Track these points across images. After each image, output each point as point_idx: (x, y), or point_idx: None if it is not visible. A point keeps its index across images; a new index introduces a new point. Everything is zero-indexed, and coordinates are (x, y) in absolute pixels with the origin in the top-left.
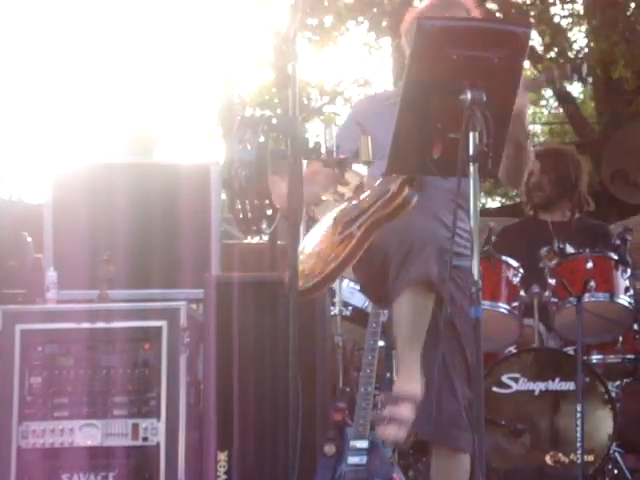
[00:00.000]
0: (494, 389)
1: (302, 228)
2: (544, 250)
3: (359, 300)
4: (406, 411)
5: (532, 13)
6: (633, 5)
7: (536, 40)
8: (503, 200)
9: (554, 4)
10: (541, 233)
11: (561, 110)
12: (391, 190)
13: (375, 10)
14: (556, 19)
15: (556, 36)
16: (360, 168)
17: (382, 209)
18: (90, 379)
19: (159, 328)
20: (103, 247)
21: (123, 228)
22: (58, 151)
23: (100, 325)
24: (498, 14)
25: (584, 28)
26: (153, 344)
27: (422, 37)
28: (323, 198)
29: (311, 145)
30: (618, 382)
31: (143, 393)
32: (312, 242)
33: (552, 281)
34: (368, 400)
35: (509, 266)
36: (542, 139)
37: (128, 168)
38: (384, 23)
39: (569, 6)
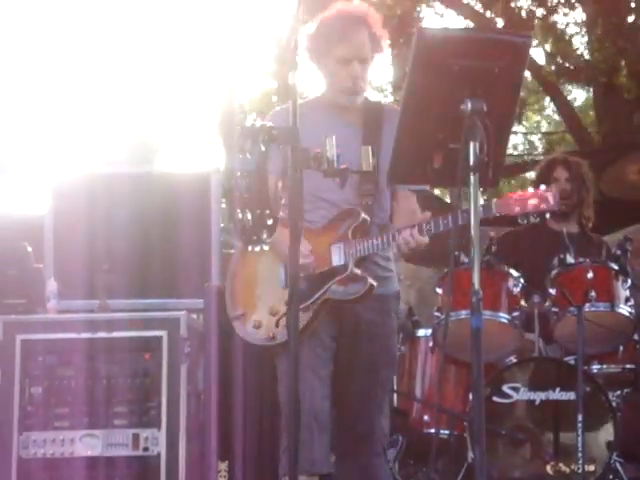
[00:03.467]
0: (495, 399)
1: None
2: (556, 260)
3: None
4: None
5: (535, 22)
6: (633, 17)
7: (539, 48)
8: None
9: (556, 11)
10: (554, 242)
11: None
12: (350, 268)
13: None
14: (560, 27)
15: (559, 44)
16: None
17: (341, 292)
18: (90, 389)
19: (159, 338)
20: (103, 257)
21: (123, 238)
22: (58, 161)
23: (100, 335)
24: (500, 23)
25: (585, 38)
26: (153, 354)
27: (422, 47)
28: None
29: (311, 155)
30: (619, 392)
31: (144, 403)
32: (249, 271)
33: (552, 291)
34: None
35: (510, 276)
36: (540, 149)
37: (128, 178)
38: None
39: (571, 15)
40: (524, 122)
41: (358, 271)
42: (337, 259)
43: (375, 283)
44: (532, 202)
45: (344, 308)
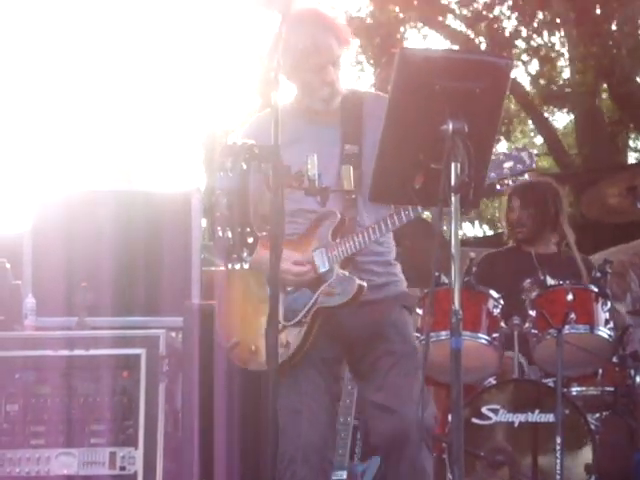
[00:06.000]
0: (474, 420)
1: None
2: (527, 282)
3: None
4: None
5: (519, 44)
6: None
7: (521, 69)
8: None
9: (540, 33)
10: (524, 264)
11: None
12: (335, 272)
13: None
14: (543, 50)
15: (543, 66)
16: None
17: (329, 297)
18: (67, 407)
19: (138, 356)
20: (83, 274)
21: (103, 255)
22: (38, 178)
23: (78, 352)
24: (484, 45)
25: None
26: (132, 372)
27: (404, 67)
28: None
29: (292, 173)
30: (598, 414)
31: (121, 421)
32: (237, 295)
33: (532, 312)
34: (347, 430)
35: (490, 297)
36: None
37: (109, 196)
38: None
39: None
40: (511, 140)
41: (345, 273)
42: (321, 265)
43: (364, 283)
44: (508, 165)
45: (344, 321)
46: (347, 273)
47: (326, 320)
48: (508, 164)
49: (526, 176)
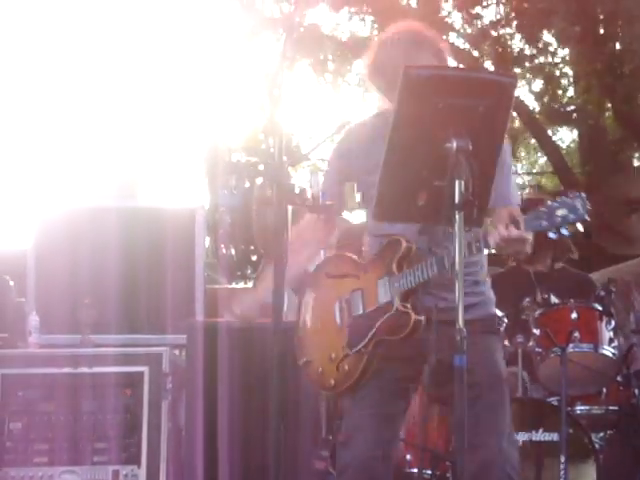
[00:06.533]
0: None
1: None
2: (527, 301)
3: None
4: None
5: (523, 63)
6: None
7: (525, 88)
8: None
9: (546, 51)
10: (524, 283)
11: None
12: (395, 306)
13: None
14: (547, 68)
15: (548, 84)
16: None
17: (389, 331)
18: (71, 425)
19: (141, 373)
20: (86, 292)
21: (108, 272)
22: (42, 195)
23: (82, 370)
24: (488, 63)
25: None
26: (135, 390)
27: (408, 84)
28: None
29: (297, 191)
30: (602, 433)
31: (124, 439)
32: (309, 313)
33: (536, 331)
34: None
35: None
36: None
37: (113, 212)
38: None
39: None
40: (515, 158)
41: (406, 305)
42: (382, 295)
43: (421, 318)
44: (561, 213)
45: (422, 343)
46: (408, 305)
47: (394, 346)
48: (561, 212)
49: (525, 193)
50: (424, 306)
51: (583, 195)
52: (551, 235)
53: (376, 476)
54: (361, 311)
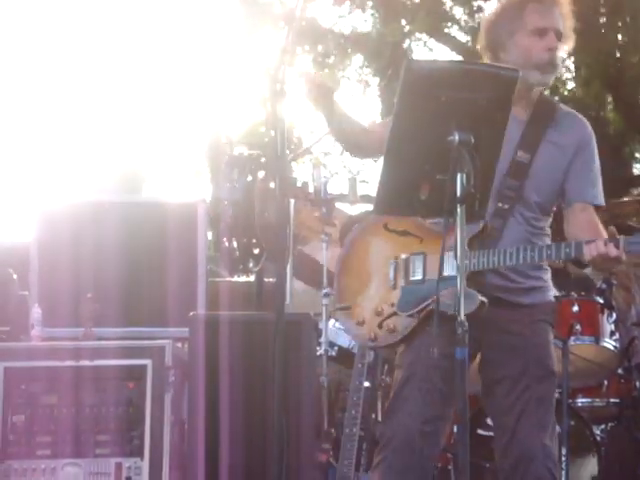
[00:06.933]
0: (479, 431)
1: (289, 267)
2: None
3: (345, 340)
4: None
5: None
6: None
7: None
8: None
9: None
10: None
11: None
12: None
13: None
14: None
15: None
16: (346, 208)
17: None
18: (73, 417)
19: (144, 366)
20: (89, 285)
21: (110, 266)
22: (45, 189)
23: (84, 363)
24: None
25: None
26: (138, 383)
27: (410, 78)
28: None
29: (299, 185)
30: (603, 426)
31: (127, 432)
32: (359, 260)
33: None
34: (353, 441)
35: None
36: None
37: (115, 206)
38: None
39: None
40: None
41: (469, 287)
42: (448, 268)
43: (486, 300)
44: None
45: (484, 322)
46: (471, 288)
47: (446, 320)
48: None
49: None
50: (491, 284)
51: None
52: None
53: (418, 452)
54: (420, 277)
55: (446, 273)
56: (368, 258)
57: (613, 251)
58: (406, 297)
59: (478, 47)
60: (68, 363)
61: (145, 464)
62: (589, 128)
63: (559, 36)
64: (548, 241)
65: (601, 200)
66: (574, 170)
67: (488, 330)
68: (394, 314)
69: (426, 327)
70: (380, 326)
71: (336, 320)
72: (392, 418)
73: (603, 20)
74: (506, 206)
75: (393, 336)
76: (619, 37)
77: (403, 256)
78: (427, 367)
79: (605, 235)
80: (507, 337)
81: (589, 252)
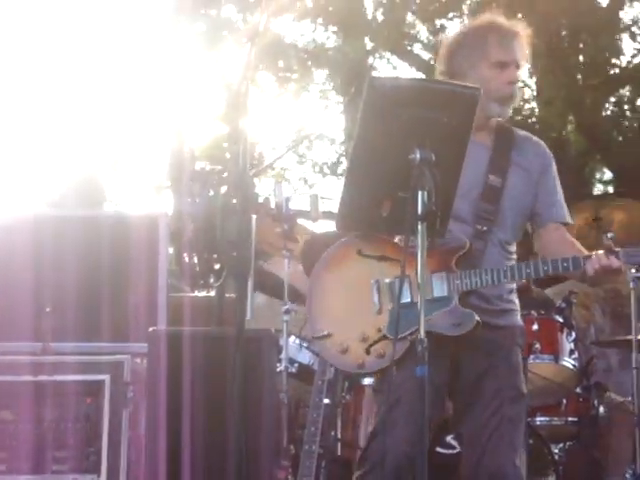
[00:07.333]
0: (438, 449)
1: (250, 282)
2: None
3: (305, 357)
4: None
5: None
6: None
7: None
8: None
9: None
10: None
11: None
12: (454, 302)
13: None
14: None
15: None
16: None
17: (443, 327)
18: (30, 433)
19: (101, 382)
20: (48, 299)
21: (70, 280)
22: (4, 202)
23: (42, 378)
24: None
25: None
26: (95, 398)
27: (373, 95)
28: None
29: (261, 200)
30: (561, 445)
31: (84, 448)
32: (335, 287)
33: None
34: (312, 459)
35: None
36: None
37: (75, 220)
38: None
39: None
40: None
41: (462, 306)
42: (439, 290)
43: (480, 320)
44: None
45: (458, 343)
46: (464, 307)
47: (432, 343)
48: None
49: None
50: (472, 305)
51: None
52: (633, 271)
53: (405, 477)
54: (409, 299)
55: (436, 294)
56: (345, 284)
57: (615, 262)
58: (395, 322)
59: (437, 72)
60: (26, 378)
61: None
62: (547, 149)
63: (519, 68)
64: None
65: (570, 219)
66: (544, 192)
67: (467, 349)
68: (383, 339)
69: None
70: (368, 352)
71: (315, 349)
72: (379, 442)
73: (565, 42)
74: (484, 228)
75: (382, 361)
76: (580, 58)
77: (387, 280)
78: (415, 391)
79: (584, 251)
80: (483, 357)
81: (592, 266)
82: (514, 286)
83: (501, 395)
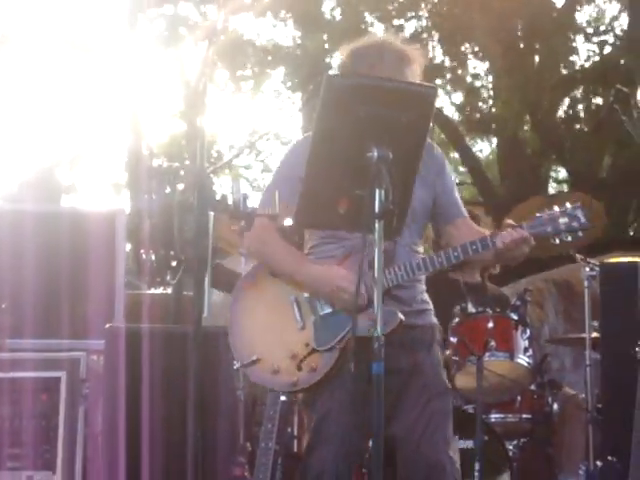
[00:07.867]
0: None
1: (207, 281)
2: (457, 309)
3: None
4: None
5: (448, 76)
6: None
7: (446, 100)
8: None
9: (466, 64)
10: (453, 291)
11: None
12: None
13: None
14: (468, 78)
15: (469, 95)
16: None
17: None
18: None
19: (57, 379)
20: (4, 296)
21: (26, 276)
22: None
23: None
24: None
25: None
26: (51, 395)
27: (330, 93)
28: None
29: (218, 198)
30: (516, 441)
31: (38, 445)
32: (255, 312)
33: (454, 339)
34: (268, 455)
35: None
36: None
37: (32, 215)
38: (296, 80)
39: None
40: None
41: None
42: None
43: (403, 317)
44: (563, 221)
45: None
46: (386, 306)
47: (361, 347)
48: (563, 220)
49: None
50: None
51: (586, 210)
52: (555, 241)
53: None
54: (330, 309)
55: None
56: (265, 306)
57: (523, 232)
58: (321, 332)
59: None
60: None
61: (57, 478)
62: (438, 149)
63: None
64: None
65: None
66: (444, 193)
67: (392, 348)
68: (312, 352)
69: (345, 363)
70: (299, 368)
71: (248, 376)
72: (315, 455)
73: (521, 43)
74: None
75: (315, 374)
76: (536, 59)
77: (305, 295)
78: (345, 402)
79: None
80: (408, 354)
81: (502, 240)
82: (424, 287)
83: (428, 391)
